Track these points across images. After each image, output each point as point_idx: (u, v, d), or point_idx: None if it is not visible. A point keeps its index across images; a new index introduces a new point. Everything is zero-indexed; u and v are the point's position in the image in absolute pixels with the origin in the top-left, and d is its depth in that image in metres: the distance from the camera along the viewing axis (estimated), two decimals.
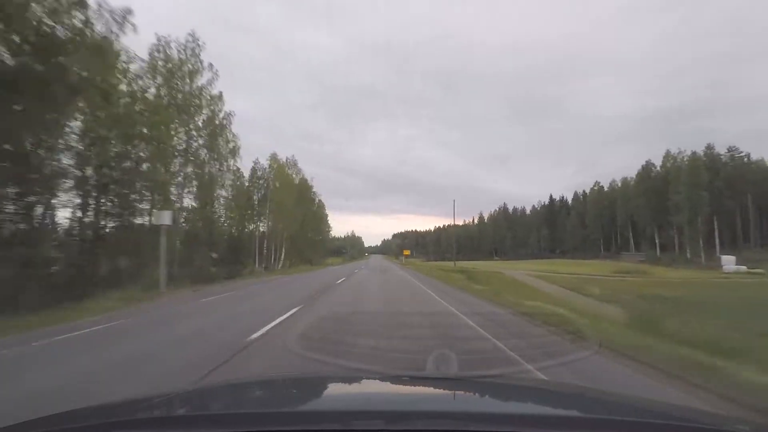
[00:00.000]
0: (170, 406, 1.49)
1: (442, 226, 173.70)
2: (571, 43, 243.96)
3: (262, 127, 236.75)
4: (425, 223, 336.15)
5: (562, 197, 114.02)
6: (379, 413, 1.17)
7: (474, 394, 1.66)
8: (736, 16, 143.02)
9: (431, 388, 1.80)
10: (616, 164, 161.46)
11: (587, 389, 2.35)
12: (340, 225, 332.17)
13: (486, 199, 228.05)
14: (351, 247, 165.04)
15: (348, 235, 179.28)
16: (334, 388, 1.79)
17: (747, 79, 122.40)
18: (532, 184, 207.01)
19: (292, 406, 1.52)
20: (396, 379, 1.85)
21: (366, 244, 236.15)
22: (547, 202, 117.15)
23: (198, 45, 22.43)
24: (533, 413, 1.38)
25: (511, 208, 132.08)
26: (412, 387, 1.78)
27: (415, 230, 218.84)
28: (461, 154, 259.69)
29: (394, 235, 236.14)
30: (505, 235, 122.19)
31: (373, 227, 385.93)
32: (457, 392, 1.70)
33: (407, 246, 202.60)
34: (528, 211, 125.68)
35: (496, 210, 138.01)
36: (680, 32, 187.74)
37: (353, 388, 1.79)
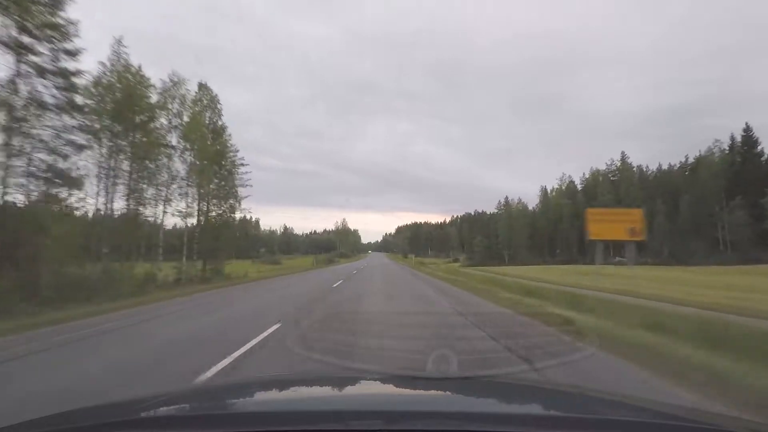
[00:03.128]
0: (169, 406, 1.47)
1: (479, 212, 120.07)
2: (572, 39, 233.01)
3: (261, 123, 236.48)
4: (425, 220, 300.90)
5: (733, 139, 57.08)
6: (378, 413, 1.14)
7: (474, 394, 1.59)
8: (741, 10, 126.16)
9: (431, 389, 1.73)
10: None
11: (587, 389, 2.27)
12: (334, 221, 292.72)
13: (486, 197, 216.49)
14: (342, 243, 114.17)
15: (338, 227, 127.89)
16: (334, 388, 1.75)
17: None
18: (532, 182, 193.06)
19: (291, 406, 1.48)
20: (396, 379, 1.84)
21: (364, 240, 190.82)
22: (679, 164, 63.35)
23: None
24: (533, 413, 1.36)
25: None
26: (412, 387, 1.73)
27: (427, 222, 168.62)
28: (462, 151, 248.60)
29: (399, 229, 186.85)
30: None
31: (373, 224, 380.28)
32: (456, 392, 1.64)
33: (414, 245, 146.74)
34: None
35: (588, 174, 78.78)
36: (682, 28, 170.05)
37: (353, 388, 1.73)
